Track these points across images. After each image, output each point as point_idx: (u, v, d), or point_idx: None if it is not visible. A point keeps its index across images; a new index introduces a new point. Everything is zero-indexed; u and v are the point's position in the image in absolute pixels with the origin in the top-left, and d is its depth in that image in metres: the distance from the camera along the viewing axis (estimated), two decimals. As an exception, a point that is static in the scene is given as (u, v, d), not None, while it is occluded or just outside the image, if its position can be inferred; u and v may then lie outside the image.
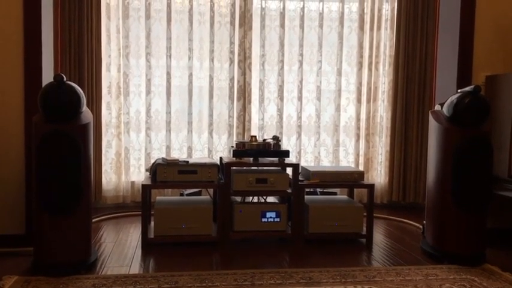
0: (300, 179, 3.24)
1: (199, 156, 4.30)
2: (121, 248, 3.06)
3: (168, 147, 4.24)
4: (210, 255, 2.92)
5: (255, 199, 3.40)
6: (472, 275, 2.64)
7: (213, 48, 4.23)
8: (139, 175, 4.27)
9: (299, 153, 4.41)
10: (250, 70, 4.28)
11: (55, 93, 2.49)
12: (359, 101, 4.44)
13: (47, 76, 3.02)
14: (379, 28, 4.41)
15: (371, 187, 3.23)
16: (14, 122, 2.95)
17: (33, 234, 2.60)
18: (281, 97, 4.35)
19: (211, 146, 4.29)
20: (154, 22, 4.19)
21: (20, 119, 2.95)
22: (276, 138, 3.26)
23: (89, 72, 4.00)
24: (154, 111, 4.23)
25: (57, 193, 2.49)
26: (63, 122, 2.52)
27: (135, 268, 2.68)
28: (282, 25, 4.31)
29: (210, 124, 4.28)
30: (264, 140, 3.31)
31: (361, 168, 4.44)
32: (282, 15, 4.31)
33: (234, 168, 3.21)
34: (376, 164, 4.52)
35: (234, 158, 3.19)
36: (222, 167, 3.22)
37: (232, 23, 4.24)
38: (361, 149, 4.48)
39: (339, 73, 4.42)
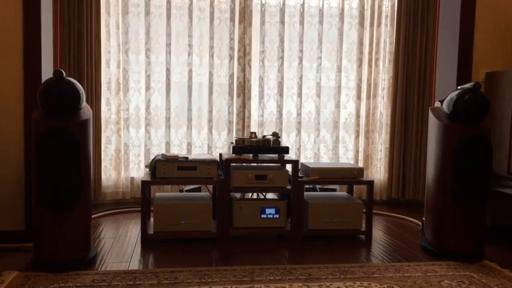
0: (300, 175, 3.24)
1: (199, 152, 4.30)
2: (120, 244, 3.06)
3: (168, 144, 4.24)
4: (209, 251, 2.92)
5: (255, 195, 3.40)
6: (471, 271, 2.65)
7: (213, 44, 4.23)
8: (138, 171, 4.27)
9: (298, 149, 4.41)
10: (250, 66, 4.28)
11: (54, 89, 2.48)
12: (359, 97, 4.44)
13: (47, 72, 3.02)
14: (379, 25, 4.41)
15: (370, 184, 3.23)
16: (14, 118, 2.94)
17: (33, 231, 2.60)
18: (281, 93, 4.35)
19: (210, 143, 4.29)
20: (154, 18, 4.18)
21: (20, 115, 2.94)
22: (275, 135, 3.26)
23: (88, 68, 3.99)
24: (154, 108, 4.23)
25: (56, 189, 2.49)
26: (62, 118, 2.51)
27: (135, 264, 2.68)
28: (282, 21, 4.30)
29: (210, 120, 4.28)
30: (264, 136, 3.31)
31: (360, 164, 4.44)
32: (282, 11, 4.30)
33: (233, 164, 3.22)
34: (376, 160, 4.52)
35: (234, 155, 3.20)
36: (222, 164, 3.22)
37: (232, 19, 4.23)
38: (361, 146, 4.48)
39: (339, 70, 4.42)
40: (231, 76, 4.26)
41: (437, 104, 3.10)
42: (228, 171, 3.09)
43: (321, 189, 3.73)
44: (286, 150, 3.21)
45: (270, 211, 3.15)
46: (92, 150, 2.70)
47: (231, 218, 3.12)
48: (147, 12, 4.13)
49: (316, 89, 4.41)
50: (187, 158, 3.12)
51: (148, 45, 4.16)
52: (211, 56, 4.23)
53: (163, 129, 4.25)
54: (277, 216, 3.15)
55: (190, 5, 4.18)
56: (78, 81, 3.42)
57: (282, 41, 4.32)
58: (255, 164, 3.29)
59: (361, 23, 4.39)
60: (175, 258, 2.77)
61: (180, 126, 4.29)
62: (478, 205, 2.82)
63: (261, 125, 4.35)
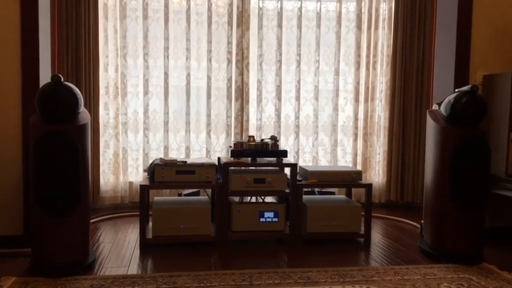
0: (298, 178, 3.24)
1: (197, 156, 4.30)
2: (119, 248, 3.06)
3: (166, 148, 4.24)
4: (208, 255, 2.92)
5: (253, 199, 3.40)
6: (470, 274, 2.65)
7: (211, 48, 4.23)
8: (137, 175, 4.26)
9: (297, 153, 4.41)
10: (248, 70, 4.28)
11: (52, 94, 2.48)
12: (357, 100, 4.45)
13: (45, 77, 3.02)
14: (376, 28, 4.42)
15: (369, 187, 3.23)
16: (12, 123, 2.94)
17: (31, 236, 2.59)
18: (279, 97, 4.35)
19: (209, 146, 4.29)
20: (152, 22, 4.18)
21: (18, 120, 2.94)
22: (274, 138, 3.26)
23: (86, 73, 4.00)
24: (152, 112, 4.23)
25: (55, 194, 2.49)
26: (60, 123, 2.51)
27: (133, 269, 2.68)
28: (280, 25, 4.31)
29: (208, 124, 4.28)
30: (262, 140, 3.31)
31: (359, 167, 4.45)
32: (280, 15, 4.31)
33: (232, 168, 3.21)
34: (374, 163, 4.53)
35: (232, 158, 3.20)
36: (220, 167, 3.22)
37: (229, 23, 4.24)
38: (359, 149, 4.48)
39: (337, 73, 4.42)
40: (229, 80, 4.27)
41: (435, 106, 3.11)
42: (226, 175, 3.09)
43: (320, 193, 3.73)
44: (284, 153, 3.21)
45: (269, 215, 3.15)
46: (90, 154, 2.70)
47: (229, 221, 3.12)
48: (145, 17, 4.14)
49: (314, 92, 4.41)
50: (185, 162, 3.12)
51: (146, 50, 4.16)
52: (209, 60, 4.24)
53: (162, 133, 4.25)
54: (276, 219, 3.15)
55: (188, 9, 4.19)
56: (76, 85, 3.42)
57: (279, 44, 4.32)
58: (254, 168, 3.28)
59: (359, 26, 4.40)
60: (174, 263, 2.77)
61: (179, 130, 4.29)
62: (477, 207, 2.83)
63: (259, 128, 4.35)
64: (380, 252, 3.05)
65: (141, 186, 3.03)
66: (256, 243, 3.19)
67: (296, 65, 4.37)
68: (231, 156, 3.19)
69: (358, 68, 4.43)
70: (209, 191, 3.51)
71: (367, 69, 4.44)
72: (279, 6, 4.30)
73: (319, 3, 4.35)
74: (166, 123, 4.23)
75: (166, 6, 4.15)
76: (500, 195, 3.10)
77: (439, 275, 2.61)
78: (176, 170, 3.08)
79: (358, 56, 4.42)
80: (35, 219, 2.54)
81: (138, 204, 3.29)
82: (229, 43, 4.24)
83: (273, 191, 3.16)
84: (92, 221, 3.58)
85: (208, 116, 4.27)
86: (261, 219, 3.14)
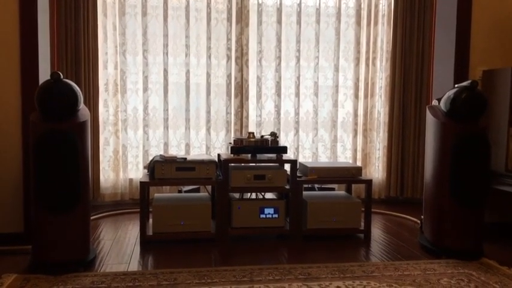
0: (298, 175, 3.24)
1: (197, 153, 4.30)
2: (119, 245, 3.06)
3: (166, 144, 4.24)
4: (208, 251, 2.92)
5: (253, 195, 3.41)
6: (470, 269, 2.65)
7: (210, 45, 4.23)
8: (137, 172, 4.27)
9: (297, 149, 4.41)
10: (247, 66, 4.28)
11: (52, 91, 2.48)
12: (356, 96, 4.44)
13: (44, 74, 3.01)
14: (376, 23, 4.41)
15: (369, 182, 3.24)
16: (11, 120, 2.94)
17: (32, 233, 2.60)
18: (278, 93, 4.35)
19: (209, 143, 4.29)
20: (151, 19, 4.17)
21: (17, 117, 2.94)
22: (273, 135, 3.26)
23: (85, 70, 3.99)
24: (152, 109, 4.23)
25: (55, 191, 2.49)
26: (60, 120, 2.51)
27: (134, 265, 2.68)
28: (279, 21, 4.31)
29: (208, 121, 4.28)
30: (262, 136, 3.31)
31: (359, 163, 4.45)
32: (279, 11, 4.30)
33: (232, 164, 3.22)
34: (374, 159, 4.53)
35: (232, 155, 3.20)
36: (220, 164, 3.22)
37: (229, 20, 4.23)
38: (359, 145, 4.48)
39: (336, 69, 4.42)
40: (229, 76, 4.26)
41: (434, 102, 3.11)
42: (226, 171, 3.09)
43: (320, 189, 3.73)
44: (284, 149, 3.21)
45: (269, 211, 3.15)
46: (90, 151, 2.70)
47: (230, 218, 3.13)
48: (144, 14, 4.13)
49: (314, 89, 4.41)
50: (185, 158, 3.12)
51: (145, 46, 4.16)
52: (209, 56, 4.23)
53: (162, 130, 4.24)
54: (276, 216, 3.16)
55: (187, 5, 4.18)
56: (75, 83, 3.42)
57: (279, 40, 4.32)
58: (254, 164, 3.29)
59: (358, 22, 4.40)
60: (174, 259, 2.77)
61: (178, 127, 4.29)
62: (477, 203, 2.83)
63: (259, 125, 4.35)
64: (380, 248, 3.05)
65: (141, 183, 3.03)
66: (256, 239, 3.19)
67: (295, 61, 4.36)
68: (231, 153, 3.19)
69: (357, 64, 4.42)
70: (209, 187, 3.51)
71: (367, 65, 4.44)
72: (278, 2, 4.29)
73: (318, -1, 4.35)
74: (166, 120, 4.22)
75: (165, 2, 4.14)
76: (500, 190, 3.10)
77: (439, 271, 2.62)
78: (176, 167, 3.08)
79: (358, 51, 4.41)
80: (35, 217, 2.54)
81: (138, 201, 3.29)
82: (229, 39, 4.24)
83: (273, 187, 3.16)
84: (92, 218, 3.58)
85: (208, 112, 4.27)
86: (261, 216, 3.14)
